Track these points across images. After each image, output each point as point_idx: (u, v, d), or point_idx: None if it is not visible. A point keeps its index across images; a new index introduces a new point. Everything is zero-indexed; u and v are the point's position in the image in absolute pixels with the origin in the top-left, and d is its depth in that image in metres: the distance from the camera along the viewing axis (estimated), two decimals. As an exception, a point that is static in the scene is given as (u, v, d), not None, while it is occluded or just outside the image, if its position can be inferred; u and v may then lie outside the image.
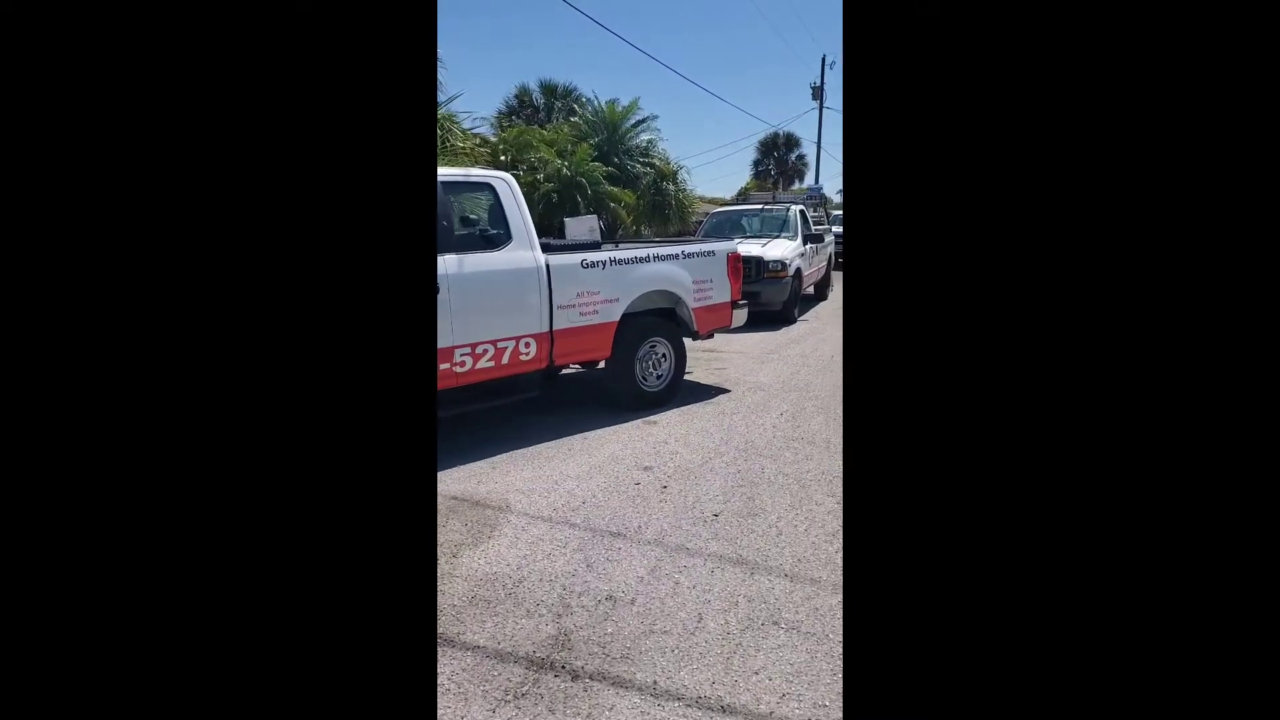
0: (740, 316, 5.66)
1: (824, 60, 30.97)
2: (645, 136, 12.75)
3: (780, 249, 8.98)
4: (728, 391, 5.50)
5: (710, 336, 5.73)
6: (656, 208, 12.66)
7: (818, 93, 30.90)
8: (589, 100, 17.93)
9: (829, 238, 11.83)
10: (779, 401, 5.12)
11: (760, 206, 10.48)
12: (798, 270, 9.13)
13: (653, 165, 12.43)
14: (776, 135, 32.35)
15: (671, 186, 12.65)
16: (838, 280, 14.10)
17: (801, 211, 10.37)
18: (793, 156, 32.45)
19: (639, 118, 12.96)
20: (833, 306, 10.67)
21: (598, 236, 10.27)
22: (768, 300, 8.67)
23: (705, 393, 5.44)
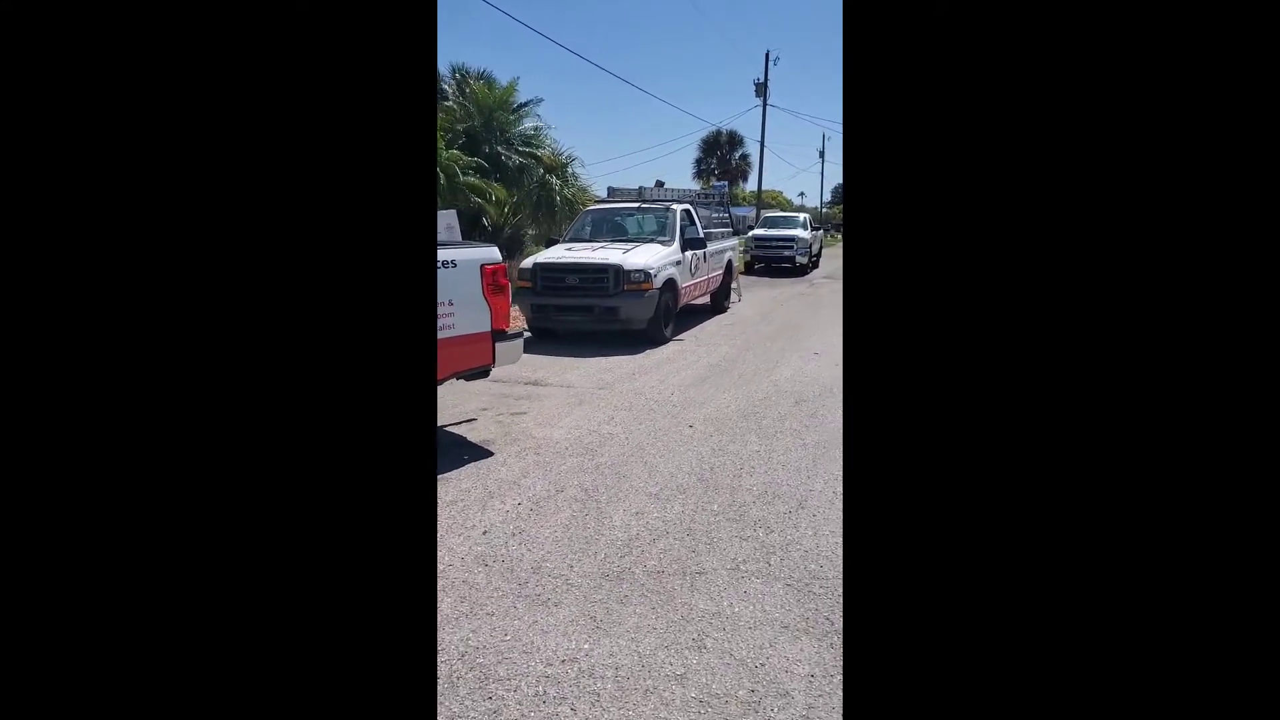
0: (510, 351, 4.15)
1: (767, 55, 29.83)
2: (529, 123, 11.21)
3: (645, 256, 7.50)
4: (490, 455, 3.99)
5: (485, 374, 4.24)
6: (542, 204, 11.14)
7: (761, 89, 29.74)
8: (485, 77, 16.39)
9: (728, 242, 10.41)
10: (538, 476, 3.62)
11: (637, 205, 8.98)
12: (669, 281, 7.67)
13: (534, 156, 10.84)
14: (719, 134, 31.12)
15: (557, 181, 11.08)
16: (748, 289, 12.86)
17: (686, 211, 8.92)
18: (736, 156, 31.25)
19: (521, 102, 11.44)
20: (727, 321, 9.24)
21: (457, 235, 8.70)
22: (628, 317, 7.20)
23: (454, 457, 3.92)
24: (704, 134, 31.95)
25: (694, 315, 9.50)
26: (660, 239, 8.24)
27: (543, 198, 11.25)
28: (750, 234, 18.46)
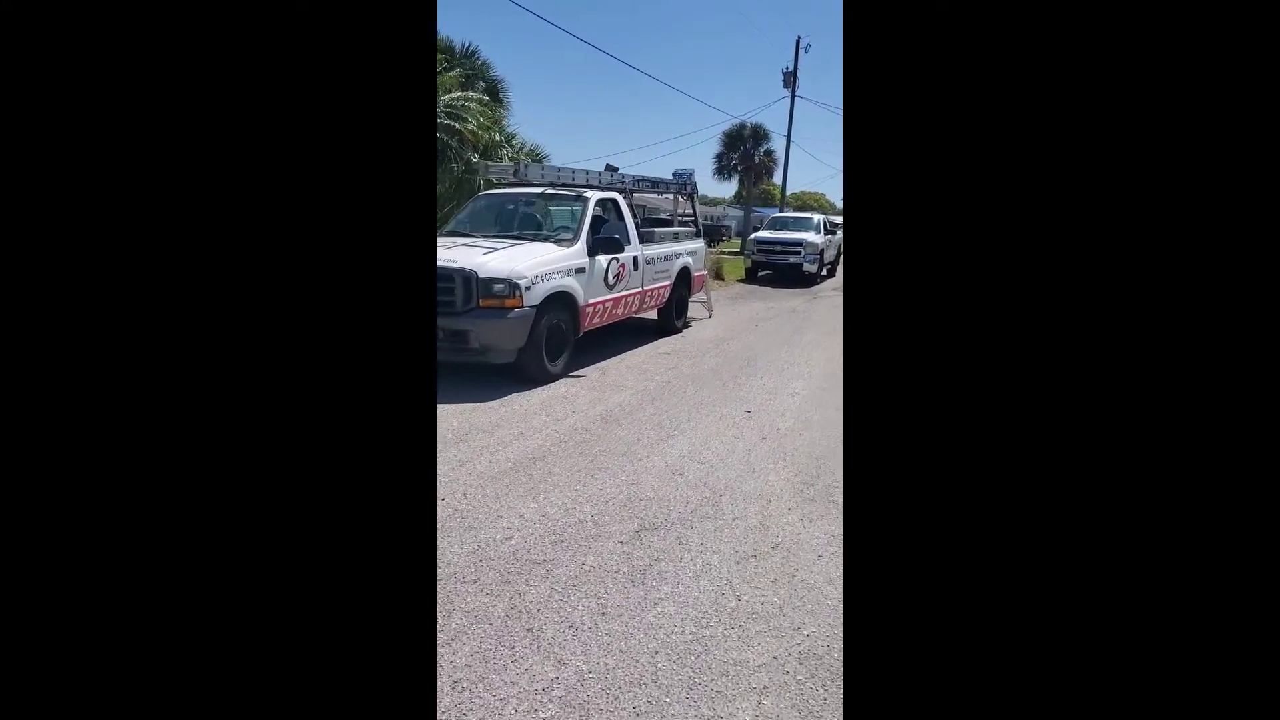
0: None
1: (798, 42, 27.30)
2: (455, 94, 9.08)
3: (518, 259, 5.31)
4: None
5: None
6: (465, 191, 9.05)
7: (790, 78, 27.23)
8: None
9: (685, 245, 8.12)
10: None
11: (540, 191, 6.77)
12: (560, 296, 5.48)
13: (453, 129, 8.71)
14: (743, 126, 28.61)
15: (480, 162, 8.96)
16: (736, 300, 10.47)
17: (609, 202, 6.70)
18: (761, 151, 28.69)
19: (449, 63, 9.36)
20: (666, 348, 7.00)
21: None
22: (485, 345, 5.03)
23: None
24: (725, 126, 29.53)
25: (631, 336, 7.31)
26: (562, 237, 6.06)
27: (467, 183, 9.13)
28: (753, 236, 16.16)
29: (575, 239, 5.91)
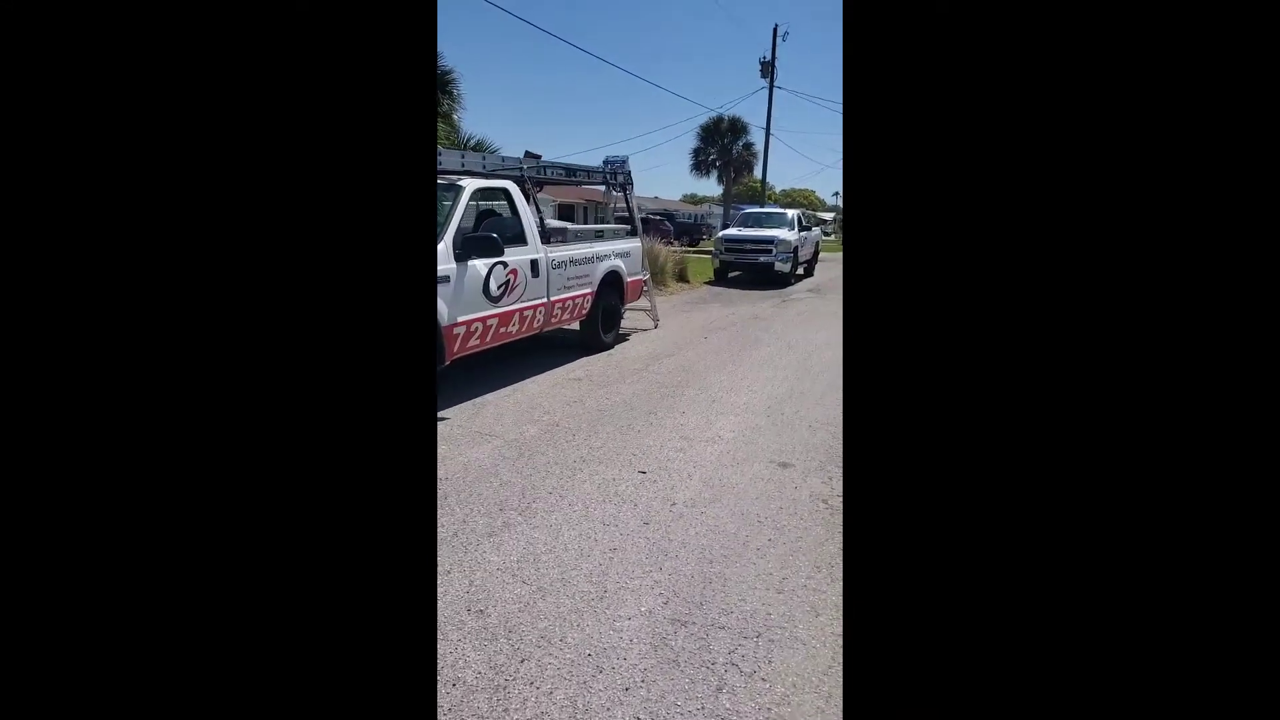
0: None
1: (775, 30, 26.03)
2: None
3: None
4: None
5: None
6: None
7: (768, 68, 25.96)
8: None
9: (612, 245, 6.74)
10: None
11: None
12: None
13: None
14: (720, 120, 27.31)
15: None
16: (697, 304, 9.06)
17: (500, 192, 5.34)
18: (739, 145, 27.38)
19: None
20: (580, 371, 5.65)
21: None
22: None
23: None
24: (702, 120, 28.24)
25: (547, 356, 5.97)
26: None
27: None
28: (720, 234, 14.86)
29: (438, 239, 4.56)
